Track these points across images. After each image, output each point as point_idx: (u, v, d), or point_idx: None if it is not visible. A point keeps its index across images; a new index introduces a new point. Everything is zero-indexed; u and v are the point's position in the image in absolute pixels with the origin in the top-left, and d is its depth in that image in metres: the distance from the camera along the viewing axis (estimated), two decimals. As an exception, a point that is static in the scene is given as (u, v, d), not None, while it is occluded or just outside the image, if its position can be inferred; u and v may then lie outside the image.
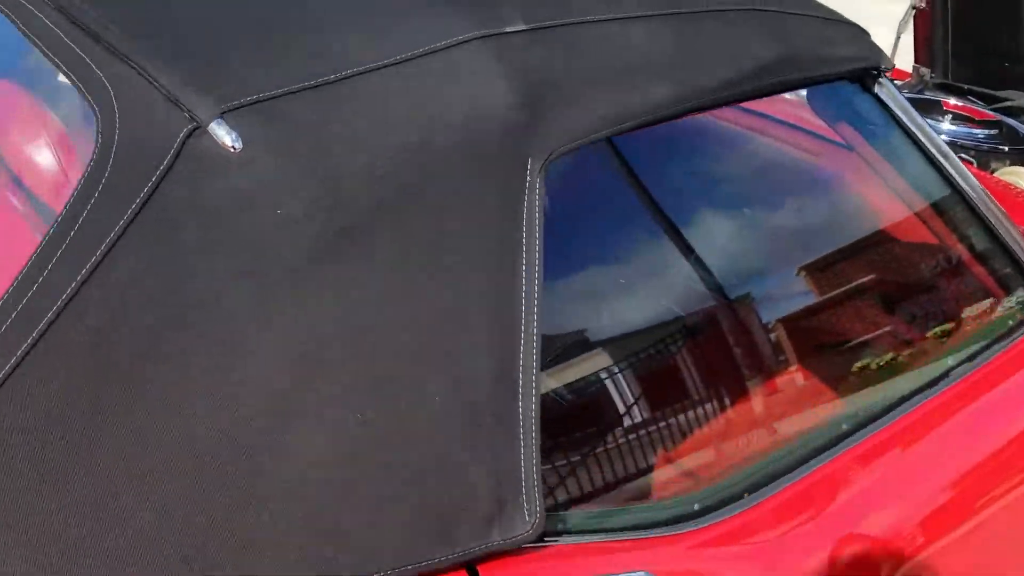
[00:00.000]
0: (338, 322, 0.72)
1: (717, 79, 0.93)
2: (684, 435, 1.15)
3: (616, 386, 1.19)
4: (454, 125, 0.79)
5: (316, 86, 0.77)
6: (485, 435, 0.75)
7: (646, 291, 1.29)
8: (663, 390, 1.19)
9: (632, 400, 1.18)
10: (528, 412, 0.77)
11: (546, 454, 0.84)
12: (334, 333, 0.72)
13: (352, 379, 0.72)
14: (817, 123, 1.19)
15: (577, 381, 1.15)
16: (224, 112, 0.73)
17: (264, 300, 0.71)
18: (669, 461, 1.15)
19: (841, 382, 1.26)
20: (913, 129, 1.02)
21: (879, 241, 1.32)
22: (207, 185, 0.71)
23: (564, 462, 1.01)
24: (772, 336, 1.35)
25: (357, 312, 0.73)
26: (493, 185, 0.80)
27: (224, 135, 0.71)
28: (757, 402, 1.28)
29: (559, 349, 1.17)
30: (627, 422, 1.15)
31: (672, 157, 1.40)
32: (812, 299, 1.38)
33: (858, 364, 1.24)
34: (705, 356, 1.26)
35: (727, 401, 1.26)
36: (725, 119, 1.37)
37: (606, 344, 1.21)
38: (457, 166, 0.79)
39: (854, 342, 1.32)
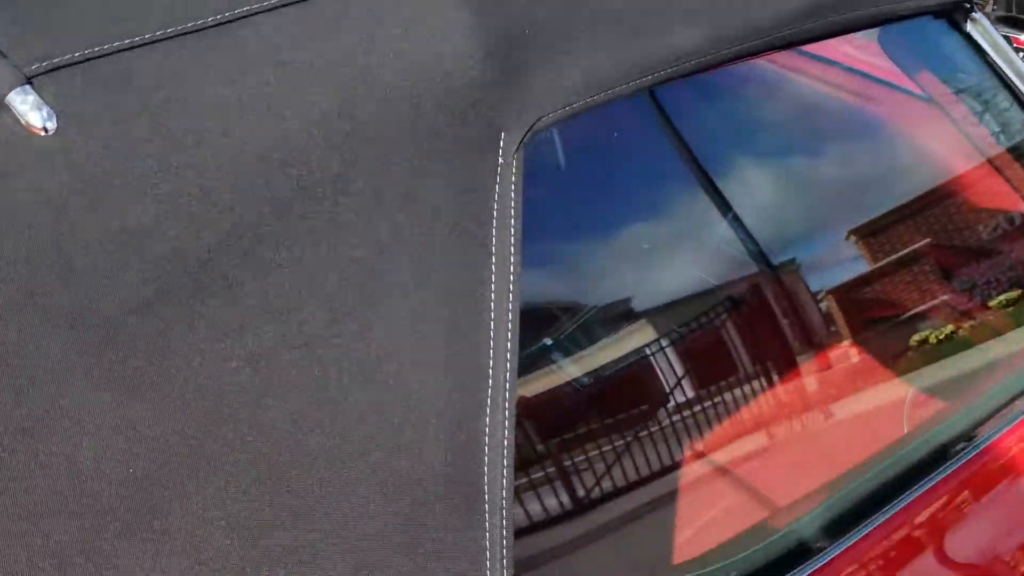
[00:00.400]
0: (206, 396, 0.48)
1: (764, 18, 0.76)
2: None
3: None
4: (389, 88, 0.56)
5: (178, 35, 0.51)
6: (438, 515, 0.54)
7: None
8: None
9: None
10: (496, 495, 0.55)
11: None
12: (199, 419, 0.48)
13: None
14: (887, 67, 1.02)
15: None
16: (33, 77, 0.48)
17: (90, 369, 0.46)
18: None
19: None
20: (1012, 76, 0.85)
21: (962, 207, 1.15)
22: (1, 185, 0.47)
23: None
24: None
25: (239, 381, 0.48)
26: (447, 172, 0.57)
27: (29, 110, 0.47)
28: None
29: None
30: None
31: (711, 104, 1.25)
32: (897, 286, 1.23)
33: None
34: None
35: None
36: (776, 63, 1.20)
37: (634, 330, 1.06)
38: (394, 146, 0.55)
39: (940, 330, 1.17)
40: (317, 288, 0.51)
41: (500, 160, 0.59)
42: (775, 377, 1.15)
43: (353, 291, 0.52)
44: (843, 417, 1.14)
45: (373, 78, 0.56)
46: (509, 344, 0.58)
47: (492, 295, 0.57)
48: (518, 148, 0.61)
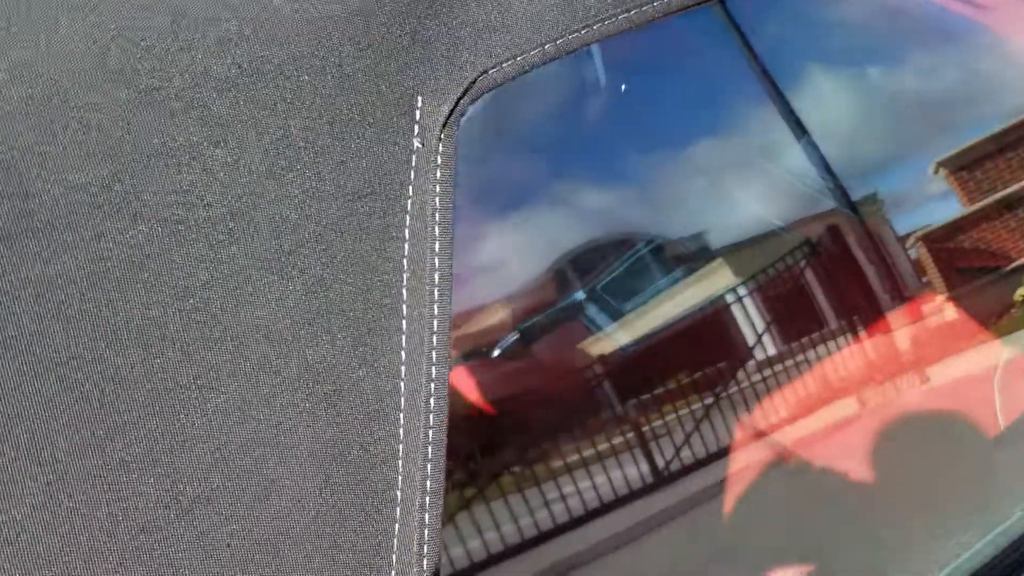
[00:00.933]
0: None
1: None
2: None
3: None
4: (251, 38, 0.40)
5: None
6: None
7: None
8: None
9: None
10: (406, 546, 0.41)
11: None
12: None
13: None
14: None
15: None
16: None
17: None
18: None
19: None
20: None
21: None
22: None
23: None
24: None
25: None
26: (338, 160, 0.40)
27: None
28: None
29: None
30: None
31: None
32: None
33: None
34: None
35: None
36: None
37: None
38: (262, 121, 0.39)
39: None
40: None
41: (416, 140, 0.42)
42: (856, 336, 0.96)
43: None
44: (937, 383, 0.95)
45: (225, 26, 0.39)
46: (437, 380, 0.43)
47: (404, 328, 0.42)
48: (446, 123, 0.42)
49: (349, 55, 0.41)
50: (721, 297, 0.86)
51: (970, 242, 1.06)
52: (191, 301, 0.38)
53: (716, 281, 0.87)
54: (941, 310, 1.01)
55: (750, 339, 0.87)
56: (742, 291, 0.87)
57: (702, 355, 0.85)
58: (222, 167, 0.38)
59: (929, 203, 1.11)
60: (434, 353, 0.43)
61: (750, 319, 0.87)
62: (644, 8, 0.48)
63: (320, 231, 0.40)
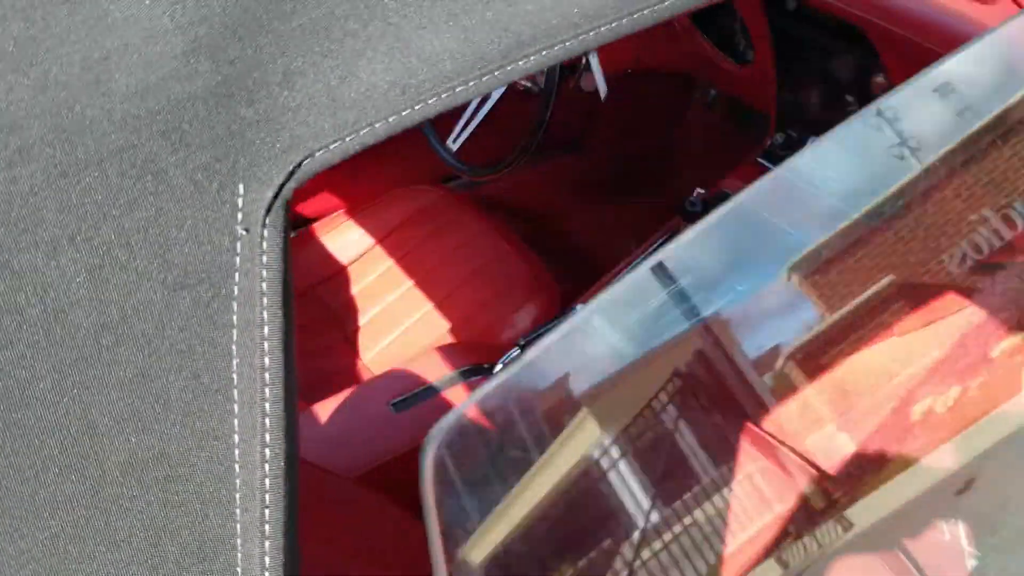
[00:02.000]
0: None
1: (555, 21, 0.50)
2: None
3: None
4: (54, 143, 0.40)
5: None
6: None
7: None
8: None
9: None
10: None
11: None
12: None
13: None
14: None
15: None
16: None
17: None
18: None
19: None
20: None
21: None
22: None
23: None
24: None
25: None
26: (156, 253, 0.41)
27: None
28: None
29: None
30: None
31: None
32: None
33: None
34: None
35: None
36: None
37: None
38: (71, 224, 0.39)
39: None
40: None
41: (240, 228, 0.42)
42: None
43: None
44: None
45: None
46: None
47: (237, 426, 0.43)
48: (270, 208, 0.42)
49: (161, 150, 0.41)
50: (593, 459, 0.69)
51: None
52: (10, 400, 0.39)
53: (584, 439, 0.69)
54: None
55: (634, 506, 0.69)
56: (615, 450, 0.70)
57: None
58: (31, 271, 0.39)
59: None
60: (267, 435, 0.44)
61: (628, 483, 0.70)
62: (484, 79, 0.46)
63: (142, 325, 0.41)
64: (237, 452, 0.44)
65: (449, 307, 1.86)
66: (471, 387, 1.49)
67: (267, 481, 0.44)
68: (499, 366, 1.55)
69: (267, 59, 0.42)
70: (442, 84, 0.45)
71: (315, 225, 2.13)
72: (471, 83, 0.46)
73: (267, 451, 0.44)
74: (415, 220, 2.06)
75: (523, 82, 1.82)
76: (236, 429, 0.44)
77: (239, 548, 0.44)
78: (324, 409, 1.43)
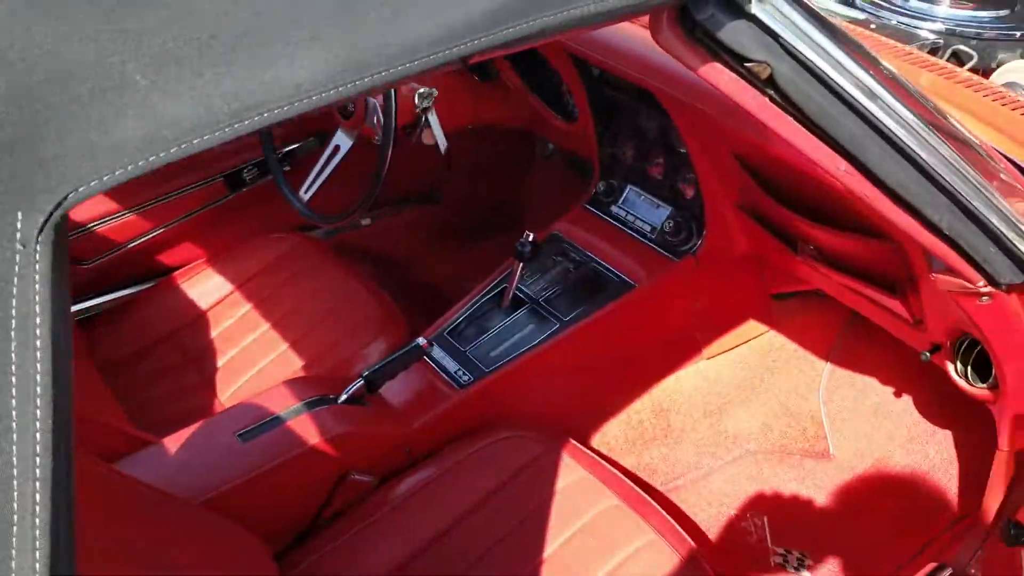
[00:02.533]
0: None
1: (421, 36, 0.61)
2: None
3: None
4: None
5: None
6: None
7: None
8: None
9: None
10: None
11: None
12: None
13: None
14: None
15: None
16: None
17: None
18: None
19: None
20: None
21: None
22: None
23: None
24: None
25: None
26: None
27: None
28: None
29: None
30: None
31: None
32: None
33: None
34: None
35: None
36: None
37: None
38: None
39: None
40: None
41: (19, 245, 0.50)
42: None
43: None
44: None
45: None
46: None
47: (14, 432, 0.48)
48: (42, 230, 0.51)
49: None
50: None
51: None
52: None
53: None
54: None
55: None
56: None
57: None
58: None
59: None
60: (38, 446, 0.48)
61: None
62: (216, 133, 0.56)
63: None
64: (15, 460, 0.49)
65: (303, 347, 1.98)
66: (316, 417, 1.61)
67: (36, 496, 0.48)
68: (344, 396, 1.67)
69: (42, 121, 0.51)
70: (184, 138, 0.55)
71: (176, 273, 2.22)
72: (206, 136, 0.55)
73: (38, 471, 0.49)
74: (273, 266, 2.18)
75: (375, 137, 1.97)
76: (15, 442, 0.49)
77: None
78: (174, 442, 1.52)
